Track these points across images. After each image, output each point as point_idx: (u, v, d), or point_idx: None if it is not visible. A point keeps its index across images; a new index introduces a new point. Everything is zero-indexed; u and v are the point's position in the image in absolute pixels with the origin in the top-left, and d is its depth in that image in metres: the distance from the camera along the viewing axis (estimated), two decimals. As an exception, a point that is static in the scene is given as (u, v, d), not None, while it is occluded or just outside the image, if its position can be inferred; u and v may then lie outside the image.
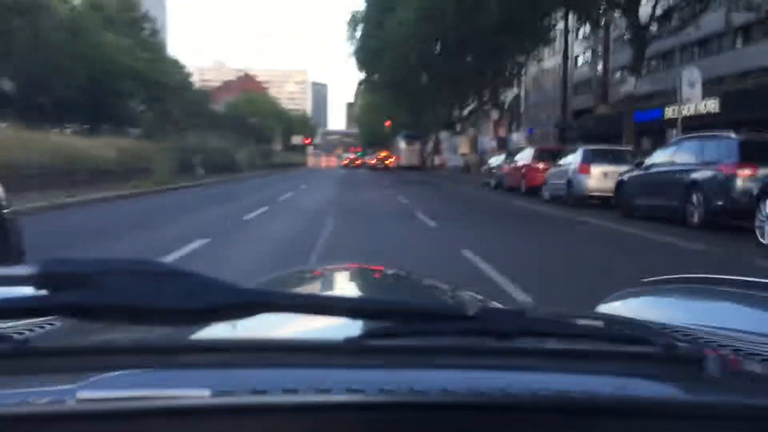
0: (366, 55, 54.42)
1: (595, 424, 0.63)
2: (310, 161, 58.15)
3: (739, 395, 0.70)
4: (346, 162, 64.26)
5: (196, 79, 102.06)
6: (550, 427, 0.63)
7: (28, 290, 0.63)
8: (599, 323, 1.05)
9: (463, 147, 40.22)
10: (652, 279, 1.57)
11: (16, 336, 0.81)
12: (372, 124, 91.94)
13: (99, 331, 0.85)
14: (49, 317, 0.89)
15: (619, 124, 21.32)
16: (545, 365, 0.71)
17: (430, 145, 59.46)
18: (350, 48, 57.18)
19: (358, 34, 50.85)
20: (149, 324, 0.66)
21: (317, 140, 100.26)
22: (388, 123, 69.42)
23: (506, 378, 0.66)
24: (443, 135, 52.10)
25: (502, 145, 31.89)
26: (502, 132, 31.22)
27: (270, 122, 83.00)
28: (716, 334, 1.04)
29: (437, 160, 53.51)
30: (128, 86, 39.40)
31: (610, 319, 1.16)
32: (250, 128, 67.66)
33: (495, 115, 31.78)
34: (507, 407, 0.63)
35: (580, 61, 57.24)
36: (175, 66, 54.32)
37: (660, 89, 39.13)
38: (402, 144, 58.96)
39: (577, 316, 1.11)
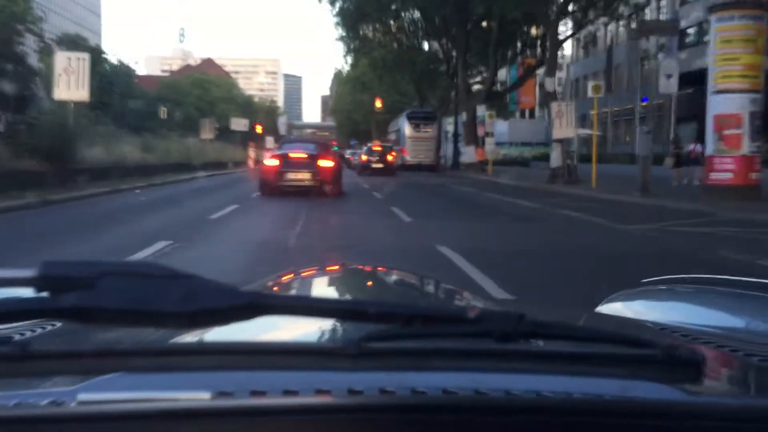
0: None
1: (597, 426, 0.63)
2: (252, 160, 34.18)
3: (738, 397, 0.73)
4: None
5: (156, 68, 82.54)
6: (551, 430, 0.63)
7: (27, 292, 0.63)
8: (600, 325, 1.05)
9: (563, 127, 17.87)
10: (651, 280, 1.56)
11: (16, 338, 0.83)
12: (352, 110, 70.04)
13: (99, 333, 0.84)
14: (50, 319, 0.87)
15: None
16: (547, 368, 0.71)
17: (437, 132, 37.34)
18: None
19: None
20: (149, 326, 0.66)
21: (282, 131, 77.50)
22: (378, 102, 47.11)
23: (508, 380, 0.67)
24: (482, 112, 29.96)
25: None
26: None
27: (229, 108, 61.49)
28: (715, 334, 1.05)
29: (470, 155, 31.26)
30: None
31: (610, 320, 1.22)
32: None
33: None
34: (509, 409, 0.63)
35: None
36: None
37: None
38: (407, 128, 36.67)
39: (577, 317, 1.13)
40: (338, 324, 0.75)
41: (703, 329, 1.09)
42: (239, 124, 40.84)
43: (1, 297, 0.64)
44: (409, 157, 35.31)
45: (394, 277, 1.72)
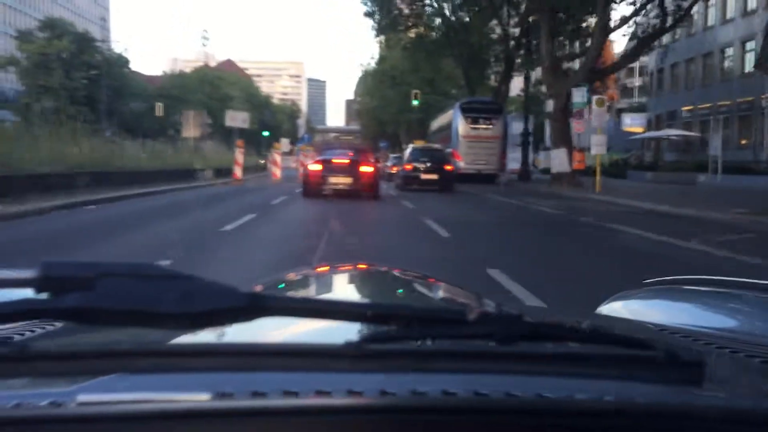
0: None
1: (598, 427, 0.63)
2: (241, 166, 23.17)
3: (739, 399, 0.74)
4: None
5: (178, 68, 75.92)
6: (552, 431, 0.63)
7: (27, 293, 0.63)
8: (600, 326, 1.07)
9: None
10: (652, 280, 1.55)
11: (15, 338, 0.84)
12: (379, 109, 60.47)
13: (98, 334, 0.84)
14: (49, 320, 0.88)
15: None
16: (547, 369, 0.71)
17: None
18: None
19: None
20: (149, 327, 0.66)
21: (300, 134, 68.14)
22: (415, 95, 37.41)
23: (508, 381, 0.67)
24: (581, 98, 20.02)
25: None
26: None
27: (242, 107, 52.75)
28: (715, 335, 1.06)
29: (562, 162, 21.28)
30: None
31: (611, 321, 1.22)
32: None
33: None
34: (509, 410, 0.63)
35: None
36: None
37: None
38: (461, 125, 26.64)
39: (578, 319, 1.14)
40: (339, 325, 0.74)
41: (704, 330, 1.10)
42: (236, 119, 31.00)
43: (1, 297, 0.64)
44: (463, 163, 25.48)
45: (398, 277, 1.68)
